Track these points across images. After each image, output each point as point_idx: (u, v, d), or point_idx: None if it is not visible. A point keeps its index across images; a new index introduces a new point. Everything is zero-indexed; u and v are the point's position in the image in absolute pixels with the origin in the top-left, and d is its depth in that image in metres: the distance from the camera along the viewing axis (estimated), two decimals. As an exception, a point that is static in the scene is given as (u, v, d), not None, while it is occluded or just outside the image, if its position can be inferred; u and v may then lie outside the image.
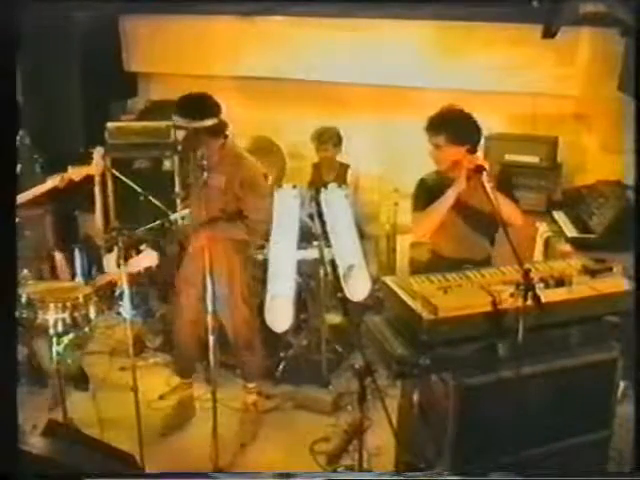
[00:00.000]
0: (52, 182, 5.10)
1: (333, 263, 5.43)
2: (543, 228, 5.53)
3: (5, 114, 2.99)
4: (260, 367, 5.21)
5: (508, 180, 4.48)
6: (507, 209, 4.08)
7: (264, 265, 5.28)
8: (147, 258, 4.96)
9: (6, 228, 2.96)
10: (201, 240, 4.47)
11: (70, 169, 5.17)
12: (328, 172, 6.42)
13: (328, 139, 6.31)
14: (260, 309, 5.12)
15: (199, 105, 4.66)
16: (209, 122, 4.61)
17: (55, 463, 3.19)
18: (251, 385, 5.13)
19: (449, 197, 4.21)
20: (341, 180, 6.15)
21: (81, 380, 5.40)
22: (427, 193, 4.39)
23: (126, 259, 4.33)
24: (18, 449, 2.85)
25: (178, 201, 6.42)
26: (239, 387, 5.21)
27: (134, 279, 5.14)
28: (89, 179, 5.50)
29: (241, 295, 4.94)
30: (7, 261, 2.97)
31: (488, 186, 3.88)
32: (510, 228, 3.87)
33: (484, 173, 3.94)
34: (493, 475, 3.40)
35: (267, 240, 5.19)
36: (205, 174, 4.52)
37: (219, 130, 4.70)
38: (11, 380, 2.93)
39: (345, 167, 6.43)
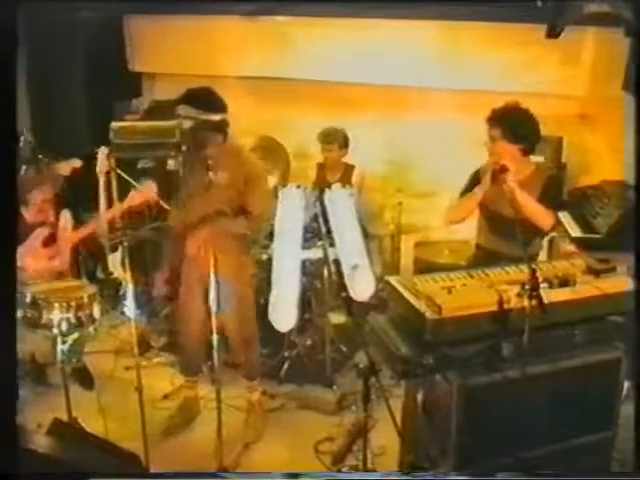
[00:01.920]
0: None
1: (337, 263, 5.43)
2: (547, 228, 5.53)
3: (5, 114, 2.99)
4: (259, 364, 5.20)
5: (556, 185, 4.50)
6: (533, 210, 4.16)
7: (268, 265, 5.28)
8: (146, 190, 5.14)
9: (7, 228, 2.96)
10: (202, 237, 4.47)
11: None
12: (333, 173, 6.42)
13: (334, 139, 6.30)
14: (264, 309, 5.11)
15: (210, 99, 4.63)
16: (217, 117, 4.57)
17: (60, 462, 3.20)
18: (253, 383, 5.13)
19: (477, 194, 4.36)
20: (346, 180, 6.16)
21: (86, 379, 5.43)
22: (473, 183, 4.51)
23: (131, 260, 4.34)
24: (18, 449, 2.85)
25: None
26: (243, 386, 5.22)
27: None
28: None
29: (244, 293, 4.94)
30: (7, 260, 2.98)
31: (511, 187, 3.94)
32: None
33: (508, 173, 4.01)
34: (500, 475, 3.40)
35: (271, 239, 5.18)
36: (211, 173, 4.53)
37: (223, 127, 4.67)
38: (11, 380, 2.94)
39: (350, 168, 6.42)
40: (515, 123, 4.28)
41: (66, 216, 5.27)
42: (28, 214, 5.11)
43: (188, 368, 5.23)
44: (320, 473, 4.32)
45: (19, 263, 4.69)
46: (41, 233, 5.14)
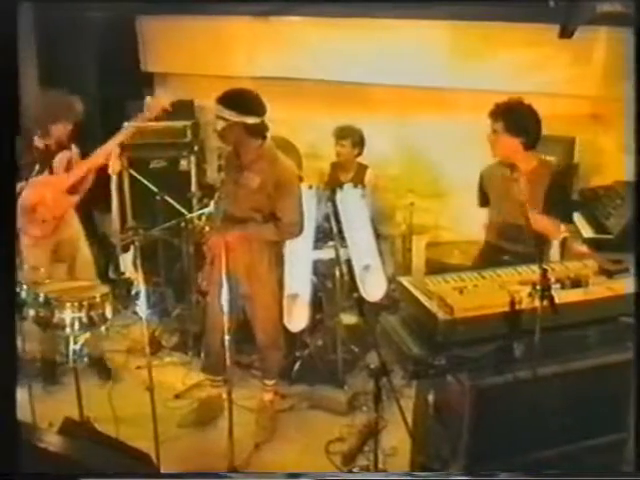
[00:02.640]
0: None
1: (349, 263, 5.44)
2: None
3: (7, 114, 3.00)
4: (280, 365, 5.20)
5: (564, 183, 4.52)
6: (541, 225, 4.21)
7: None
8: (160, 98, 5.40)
9: (7, 226, 2.97)
10: (228, 238, 4.46)
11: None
12: (346, 172, 6.43)
13: (347, 135, 6.33)
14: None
15: (246, 101, 4.60)
16: (250, 120, 4.53)
17: (70, 461, 3.21)
18: (270, 383, 5.12)
19: None
20: (358, 180, 6.17)
21: (103, 370, 5.57)
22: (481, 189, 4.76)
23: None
24: (18, 448, 2.85)
25: (194, 201, 6.45)
26: (255, 387, 5.22)
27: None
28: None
29: (270, 294, 4.93)
30: (7, 259, 2.99)
31: (522, 200, 3.96)
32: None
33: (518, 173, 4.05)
34: (501, 475, 3.39)
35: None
36: (242, 175, 4.54)
37: (259, 130, 4.63)
38: (11, 379, 2.94)
39: (364, 168, 6.44)
40: (517, 116, 4.37)
41: (75, 151, 5.47)
42: (43, 144, 5.28)
43: (210, 367, 5.22)
44: (326, 473, 4.31)
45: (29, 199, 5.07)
46: (64, 157, 5.36)
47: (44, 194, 5.19)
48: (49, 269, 5.15)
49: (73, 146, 5.41)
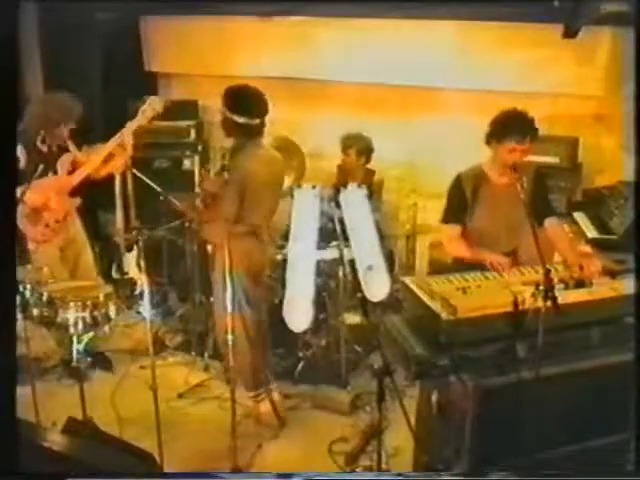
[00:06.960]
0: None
1: (352, 263, 5.43)
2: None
3: (6, 113, 3.00)
4: (275, 365, 5.19)
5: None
6: None
7: (283, 265, 5.29)
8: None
9: (6, 226, 2.98)
10: (222, 237, 4.46)
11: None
12: (353, 177, 6.43)
13: (352, 144, 6.32)
14: (279, 309, 5.11)
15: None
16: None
17: (74, 461, 3.21)
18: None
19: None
20: (365, 184, 6.19)
21: (106, 363, 5.63)
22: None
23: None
24: (17, 447, 2.86)
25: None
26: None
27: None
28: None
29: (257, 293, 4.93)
30: (7, 259, 2.99)
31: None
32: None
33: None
34: (492, 475, 3.39)
35: (286, 240, 5.19)
36: (226, 173, 4.55)
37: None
38: (11, 378, 2.95)
39: (371, 173, 6.44)
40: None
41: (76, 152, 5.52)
42: (45, 147, 5.32)
43: (247, 382, 5.01)
44: (322, 473, 4.28)
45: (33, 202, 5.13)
46: (67, 159, 5.40)
47: (48, 197, 5.23)
48: (55, 270, 5.19)
49: (73, 148, 5.45)
